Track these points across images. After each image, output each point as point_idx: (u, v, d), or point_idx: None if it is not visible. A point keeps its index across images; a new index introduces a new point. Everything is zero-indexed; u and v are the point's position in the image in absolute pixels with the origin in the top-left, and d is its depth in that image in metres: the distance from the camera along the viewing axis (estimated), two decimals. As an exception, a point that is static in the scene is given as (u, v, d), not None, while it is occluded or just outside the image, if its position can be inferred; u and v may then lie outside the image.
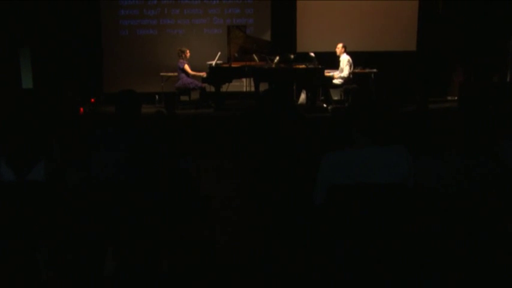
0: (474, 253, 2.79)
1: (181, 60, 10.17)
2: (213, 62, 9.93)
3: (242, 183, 4.83)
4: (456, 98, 10.59)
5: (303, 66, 9.75)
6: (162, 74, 10.90)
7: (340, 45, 10.03)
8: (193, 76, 10.30)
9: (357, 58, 10.17)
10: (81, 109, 9.79)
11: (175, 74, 10.42)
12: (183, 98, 10.54)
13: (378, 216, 2.77)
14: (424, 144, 3.72)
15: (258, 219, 3.99)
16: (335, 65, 10.13)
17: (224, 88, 10.15)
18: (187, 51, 10.23)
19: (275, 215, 3.66)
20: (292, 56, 9.94)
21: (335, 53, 10.09)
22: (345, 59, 9.95)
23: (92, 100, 10.58)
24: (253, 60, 10.11)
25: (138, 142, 3.63)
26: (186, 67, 10.17)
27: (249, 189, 4.23)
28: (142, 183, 3.41)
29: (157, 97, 10.89)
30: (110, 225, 3.21)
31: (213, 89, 10.12)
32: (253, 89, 10.10)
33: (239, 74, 9.95)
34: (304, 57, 10.05)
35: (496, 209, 2.79)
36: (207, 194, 4.15)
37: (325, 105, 9.84)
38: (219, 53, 10.01)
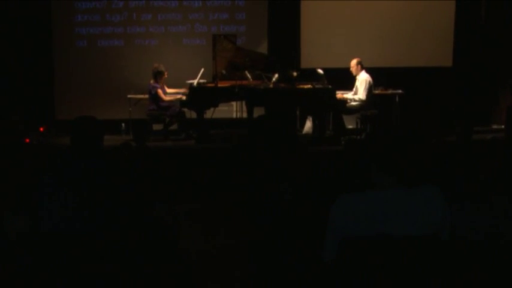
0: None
1: (153, 84, 10.13)
2: (195, 81, 9.97)
3: (234, 235, 4.80)
4: (503, 126, 10.64)
5: (309, 86, 9.82)
6: (129, 96, 10.93)
7: (353, 62, 9.90)
8: (169, 100, 10.30)
9: (377, 76, 10.16)
10: (27, 140, 9.79)
11: (147, 96, 10.42)
12: (156, 126, 10.57)
13: (404, 277, 2.77)
14: (463, 185, 3.74)
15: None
16: (349, 84, 10.16)
17: (208, 114, 10.20)
18: (166, 73, 10.22)
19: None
20: (295, 74, 9.97)
21: (349, 69, 10.10)
22: (363, 79, 9.82)
23: (41, 129, 10.60)
24: (246, 78, 10.15)
25: (97, 181, 3.63)
26: (160, 93, 10.14)
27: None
28: (103, 236, 3.39)
29: (123, 125, 10.95)
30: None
31: (194, 115, 10.15)
32: (245, 114, 10.13)
33: (227, 96, 10.00)
34: (310, 74, 10.13)
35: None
36: (187, 253, 4.12)
37: (339, 136, 9.87)
38: (202, 70, 10.07)
